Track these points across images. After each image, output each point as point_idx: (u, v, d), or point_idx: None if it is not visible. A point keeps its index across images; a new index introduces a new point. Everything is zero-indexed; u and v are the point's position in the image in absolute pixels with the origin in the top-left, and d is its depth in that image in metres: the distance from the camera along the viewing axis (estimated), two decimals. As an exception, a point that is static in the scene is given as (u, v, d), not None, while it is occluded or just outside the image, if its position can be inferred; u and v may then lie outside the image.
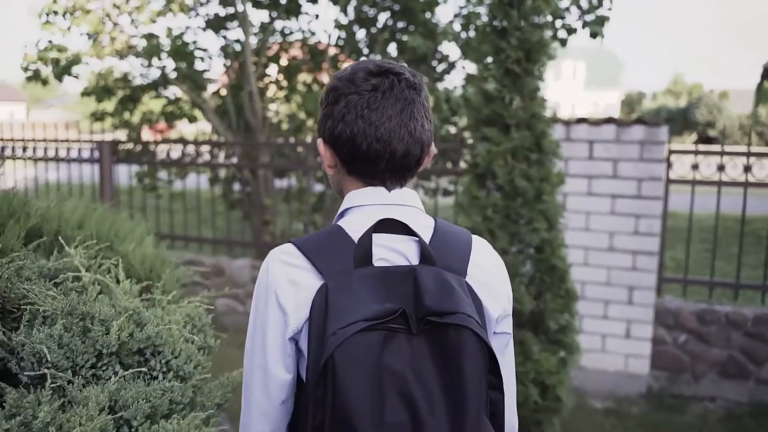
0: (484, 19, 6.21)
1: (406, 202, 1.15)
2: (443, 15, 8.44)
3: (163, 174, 7.17)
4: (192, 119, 7.63)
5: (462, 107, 6.22)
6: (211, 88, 7.49)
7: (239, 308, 5.81)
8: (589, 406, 4.37)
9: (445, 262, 1.07)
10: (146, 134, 7.95)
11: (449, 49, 9.73)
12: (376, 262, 1.06)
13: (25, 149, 6.48)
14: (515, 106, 3.38)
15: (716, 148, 4.63)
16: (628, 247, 4.44)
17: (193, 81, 6.99)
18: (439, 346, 0.97)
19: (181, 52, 6.78)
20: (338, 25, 6.96)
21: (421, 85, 1.14)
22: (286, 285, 1.06)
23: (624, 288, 4.48)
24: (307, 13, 7.22)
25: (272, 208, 6.63)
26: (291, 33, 7.39)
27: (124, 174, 6.53)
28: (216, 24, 7.18)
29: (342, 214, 1.15)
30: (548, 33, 3.40)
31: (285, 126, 7.53)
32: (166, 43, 6.73)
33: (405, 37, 6.37)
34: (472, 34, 6.36)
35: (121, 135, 7.56)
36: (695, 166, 4.47)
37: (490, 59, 3.53)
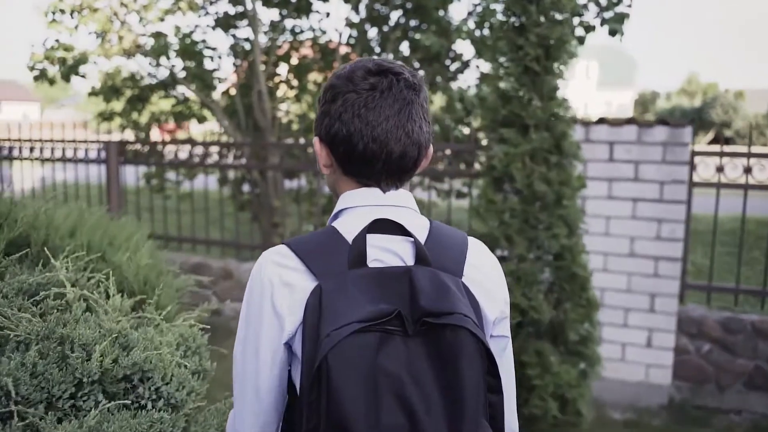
0: (500, 16, 6.05)
1: (400, 203, 1.12)
2: (456, 12, 8.27)
3: (171, 175, 7.07)
4: (201, 119, 7.52)
5: (476, 107, 6.06)
6: (220, 88, 7.38)
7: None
8: (609, 417, 4.20)
9: (440, 262, 1.05)
10: (155, 134, 7.85)
11: (463, 47, 9.57)
12: (371, 263, 1.03)
13: (32, 149, 6.39)
14: (534, 105, 3.22)
15: (742, 149, 4.43)
16: (649, 252, 4.26)
17: (202, 80, 6.88)
18: (436, 347, 0.95)
19: (190, 51, 6.67)
20: (349, 24, 6.82)
21: (420, 86, 1.11)
22: (280, 287, 1.03)
23: (645, 295, 4.30)
24: (317, 12, 7.09)
25: (281, 209, 6.50)
26: (301, 32, 7.27)
27: (133, 174, 6.43)
28: (225, 22, 7.06)
29: (336, 215, 1.13)
30: (568, 29, 3.24)
31: (295, 126, 7.40)
32: (174, 42, 6.61)
33: (418, 36, 6.22)
34: (486, 32, 6.20)
35: (130, 135, 7.46)
36: (720, 169, 4.28)
37: (503, 58, 3.39)
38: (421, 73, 6.88)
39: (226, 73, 7.73)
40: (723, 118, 33.59)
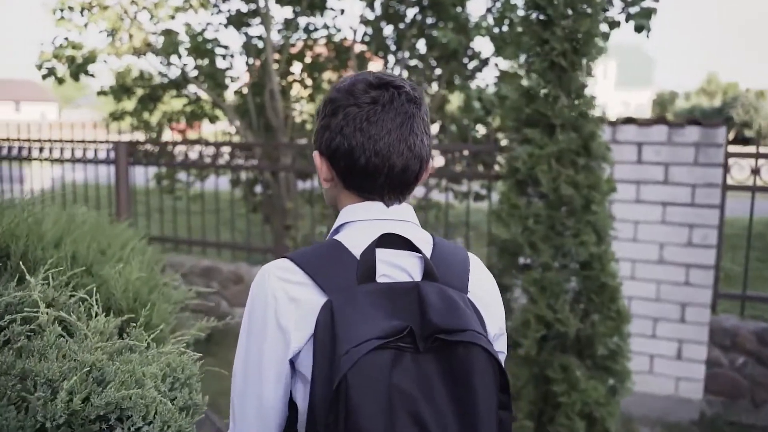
0: (520, 12, 5.84)
1: (403, 217, 1.12)
2: (474, 9, 8.05)
3: (182, 175, 6.92)
4: (213, 119, 7.37)
5: (496, 106, 5.85)
6: (232, 87, 7.22)
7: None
8: (636, 433, 3.98)
9: (446, 278, 1.04)
10: (168, 134, 7.71)
11: (481, 45, 9.35)
12: (379, 278, 1.01)
13: (41, 150, 6.28)
14: (560, 104, 3.02)
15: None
16: (680, 259, 4.03)
17: (214, 79, 6.72)
18: (448, 364, 0.94)
19: (201, 49, 6.51)
20: (364, 21, 6.64)
21: (421, 99, 1.11)
22: (286, 302, 1.00)
23: (675, 304, 4.07)
24: (332, 9, 6.91)
25: (294, 211, 6.32)
26: (315, 29, 7.09)
27: (143, 175, 6.29)
28: (238, 20, 6.90)
29: (338, 230, 1.12)
30: (597, 22, 3.02)
31: (309, 126, 7.23)
32: (185, 40, 6.46)
33: (434, 33, 6.01)
34: (506, 28, 5.98)
35: (140, 135, 7.33)
36: (756, 171, 4.05)
37: (526, 54, 3.18)
38: (435, 81, 6.69)
39: (238, 72, 7.58)
40: (744, 118, 32.99)
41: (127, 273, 1.61)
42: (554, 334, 3.00)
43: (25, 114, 55.41)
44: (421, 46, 6.67)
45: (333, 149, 1.08)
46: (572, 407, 2.92)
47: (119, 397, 1.05)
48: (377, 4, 6.54)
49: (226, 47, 6.89)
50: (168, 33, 6.38)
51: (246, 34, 6.99)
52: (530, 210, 3.00)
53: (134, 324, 1.42)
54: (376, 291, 0.98)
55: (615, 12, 5.52)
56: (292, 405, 1.02)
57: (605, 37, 5.54)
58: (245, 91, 7.02)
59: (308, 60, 7.20)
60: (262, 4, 6.48)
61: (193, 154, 5.91)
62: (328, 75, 7.35)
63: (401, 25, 6.58)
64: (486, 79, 9.12)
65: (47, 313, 1.26)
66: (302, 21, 7.04)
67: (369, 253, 1.01)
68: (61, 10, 6.00)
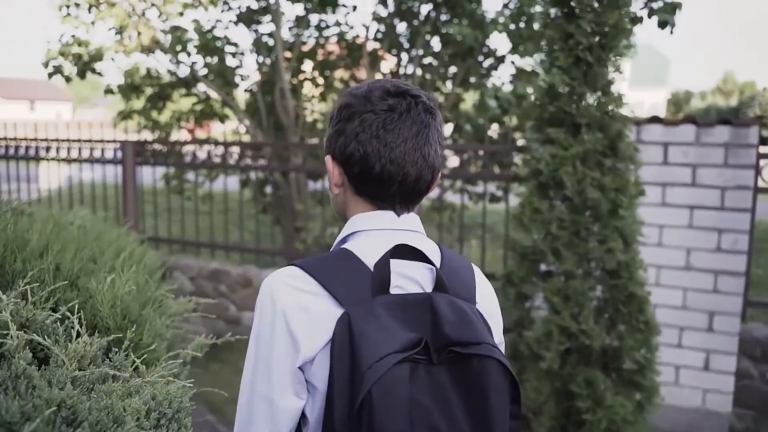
0: (539, 7, 5.64)
1: (412, 227, 1.11)
2: (490, 5, 7.86)
3: (190, 175, 6.79)
4: (222, 118, 7.24)
5: (512, 105, 5.66)
6: (242, 86, 7.08)
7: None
8: (661, 448, 3.79)
9: (455, 289, 1.05)
10: (180, 134, 7.58)
11: (496, 42, 9.15)
12: (392, 290, 1.01)
13: (48, 149, 6.17)
14: (586, 102, 2.84)
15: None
16: (708, 265, 3.84)
17: (223, 78, 6.58)
18: (461, 376, 0.94)
19: (211, 47, 6.38)
20: (377, 18, 6.48)
21: (436, 110, 1.11)
22: (296, 310, 0.99)
23: (703, 313, 3.87)
24: (344, 5, 6.76)
25: (304, 213, 6.18)
26: (327, 27, 6.94)
27: (152, 174, 6.17)
28: (248, 17, 6.76)
29: (346, 238, 1.10)
30: (626, 15, 2.84)
31: (320, 125, 7.08)
32: (194, 37, 6.33)
33: (450, 30, 5.83)
34: (523, 24, 5.80)
35: (149, 135, 7.21)
36: (789, 173, 3.84)
37: (541, 52, 3.01)
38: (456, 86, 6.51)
39: (248, 70, 7.44)
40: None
41: (116, 290, 1.46)
42: (578, 346, 2.83)
43: (41, 114, 55.80)
44: (435, 43, 6.50)
45: (347, 155, 1.06)
46: (597, 425, 2.74)
47: (90, 443, 0.89)
48: (390, 1, 6.38)
49: (236, 45, 6.75)
50: (176, 30, 6.25)
51: (256, 31, 6.85)
52: (553, 214, 2.83)
53: (115, 351, 1.26)
54: (391, 303, 0.97)
55: (637, 7, 5.33)
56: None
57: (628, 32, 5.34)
58: (255, 89, 6.88)
59: (320, 58, 7.04)
60: (272, 0, 6.34)
61: (202, 154, 5.77)
62: (340, 73, 7.19)
63: (415, 22, 6.42)
64: (501, 77, 8.92)
65: (17, 337, 1.11)
66: (314, 18, 6.90)
67: (383, 265, 0.99)
68: (67, 7, 5.88)
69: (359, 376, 0.89)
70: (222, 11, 6.83)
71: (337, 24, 6.91)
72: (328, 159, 1.11)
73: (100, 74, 6.26)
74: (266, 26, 6.93)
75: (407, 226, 1.10)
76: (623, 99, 2.86)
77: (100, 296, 1.41)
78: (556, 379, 2.86)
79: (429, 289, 1.03)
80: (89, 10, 6.07)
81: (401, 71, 6.72)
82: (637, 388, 2.88)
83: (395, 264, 1.02)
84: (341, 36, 6.89)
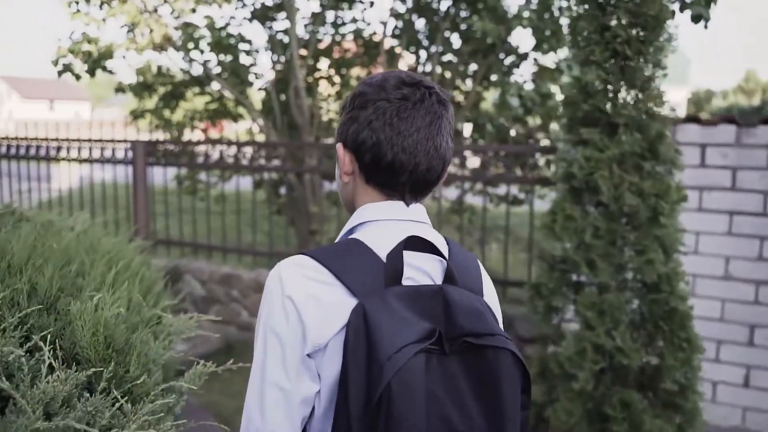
0: (563, 2, 5.40)
1: (420, 218, 1.11)
2: (512, 1, 7.61)
3: (203, 176, 6.63)
4: (236, 118, 7.07)
5: (536, 104, 5.43)
6: (256, 84, 6.90)
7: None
8: (697, 469, 3.55)
9: (464, 282, 1.05)
10: (191, 134, 7.43)
11: (518, 39, 8.89)
12: (403, 281, 1.00)
13: (59, 149, 6.05)
14: (623, 100, 2.62)
15: None
16: (748, 275, 3.60)
17: (237, 76, 6.42)
18: (475, 367, 0.95)
19: (224, 44, 6.21)
20: (395, 14, 6.27)
21: (449, 103, 1.11)
22: (305, 298, 0.98)
23: (743, 326, 3.64)
24: (360, 2, 6.56)
25: (319, 215, 5.99)
26: (343, 24, 6.74)
27: (164, 174, 6.02)
28: (262, 14, 6.59)
29: (355, 228, 1.10)
30: (668, 5, 2.61)
31: (336, 125, 6.89)
32: (207, 34, 6.16)
33: (471, 25, 5.61)
34: (547, 18, 5.56)
35: (161, 135, 7.06)
36: (837, 177, 3.59)
37: (565, 48, 2.78)
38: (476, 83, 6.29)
39: (262, 68, 7.28)
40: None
41: (102, 308, 1.27)
42: (614, 365, 2.60)
43: (60, 113, 56.30)
44: (455, 40, 6.28)
45: (359, 142, 1.06)
46: (635, 451, 2.52)
47: None
48: (408, -4, 6.18)
49: (250, 42, 6.58)
50: (188, 27, 6.08)
51: (271, 28, 6.67)
52: (587, 222, 2.61)
53: (103, 379, 1.08)
54: (403, 294, 0.97)
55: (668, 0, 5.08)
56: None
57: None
58: (269, 88, 6.71)
59: (336, 56, 6.85)
60: (287, -4, 6.16)
61: (215, 154, 5.61)
62: (357, 72, 7.00)
63: (434, 18, 6.21)
64: (524, 76, 8.66)
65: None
66: (330, 15, 6.71)
67: (397, 256, 0.99)
68: (77, 3, 5.74)
69: (377, 367, 0.88)
70: (236, 8, 6.66)
71: (354, 21, 6.72)
72: (339, 146, 1.10)
73: (111, 72, 6.12)
74: (281, 23, 6.75)
75: (416, 217, 1.10)
76: (663, 97, 2.63)
77: (80, 322, 1.23)
78: (589, 400, 2.65)
79: (439, 281, 1.04)
80: (101, 6, 5.93)
81: (420, 69, 6.51)
82: (677, 410, 2.65)
83: (406, 255, 1.02)
84: (358, 33, 6.70)
